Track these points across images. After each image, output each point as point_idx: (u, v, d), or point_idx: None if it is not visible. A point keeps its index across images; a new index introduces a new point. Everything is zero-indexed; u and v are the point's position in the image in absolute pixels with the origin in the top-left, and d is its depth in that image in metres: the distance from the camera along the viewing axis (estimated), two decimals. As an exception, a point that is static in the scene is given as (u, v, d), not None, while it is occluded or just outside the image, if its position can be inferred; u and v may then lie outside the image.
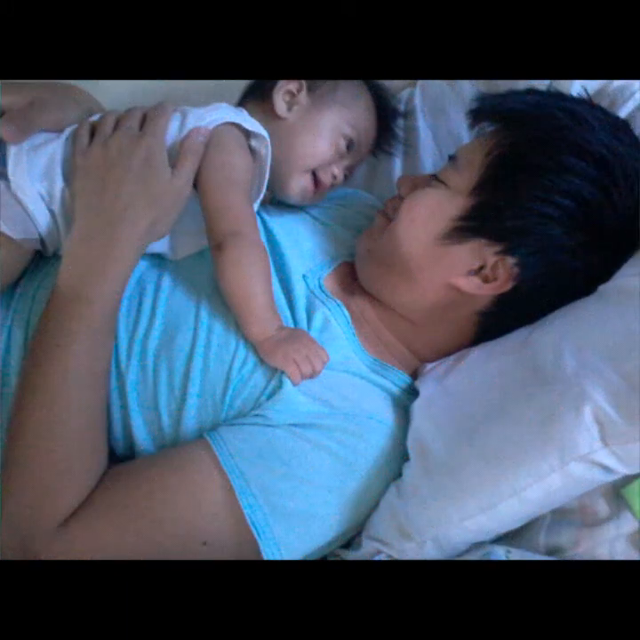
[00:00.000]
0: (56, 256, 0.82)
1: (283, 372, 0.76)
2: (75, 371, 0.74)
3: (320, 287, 0.86)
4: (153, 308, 0.81)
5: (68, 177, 0.78)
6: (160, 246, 0.83)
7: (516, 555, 0.70)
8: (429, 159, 1.08)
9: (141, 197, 0.76)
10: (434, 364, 0.84)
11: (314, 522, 0.75)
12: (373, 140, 0.95)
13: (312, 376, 0.76)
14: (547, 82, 0.92)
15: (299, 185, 0.90)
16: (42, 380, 0.73)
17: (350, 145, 0.90)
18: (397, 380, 0.83)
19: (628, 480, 0.71)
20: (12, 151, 0.77)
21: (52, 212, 0.79)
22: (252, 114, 0.87)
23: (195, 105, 0.84)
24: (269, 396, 0.76)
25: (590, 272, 0.80)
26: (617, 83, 0.93)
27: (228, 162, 0.81)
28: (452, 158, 0.86)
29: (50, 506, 0.72)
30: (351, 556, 0.78)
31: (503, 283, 0.80)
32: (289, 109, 0.88)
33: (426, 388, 0.81)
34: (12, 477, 0.72)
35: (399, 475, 0.77)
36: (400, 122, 1.00)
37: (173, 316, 0.80)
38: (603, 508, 0.73)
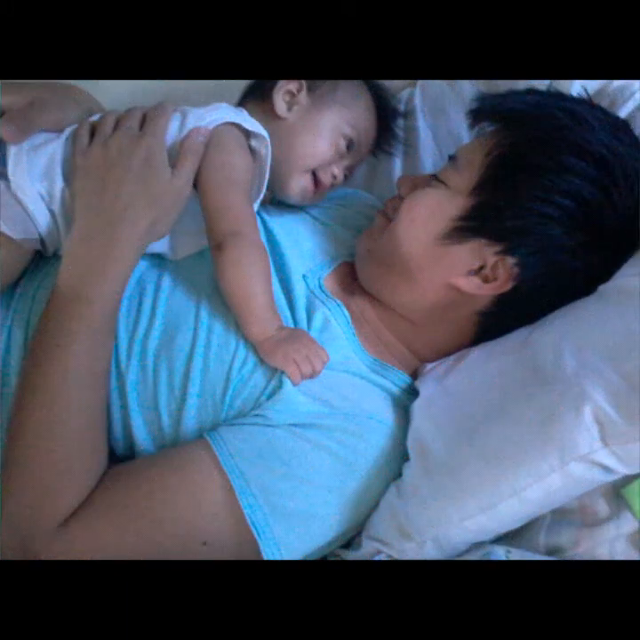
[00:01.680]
0: (56, 256, 0.82)
1: (283, 372, 0.76)
2: (75, 371, 0.74)
3: (320, 287, 0.86)
4: (153, 308, 0.81)
5: (68, 177, 0.78)
6: (160, 246, 0.83)
7: (516, 555, 0.70)
8: (429, 159, 1.08)
9: (141, 197, 0.76)
10: (434, 364, 0.84)
11: (314, 522, 0.75)
12: (373, 140, 0.95)
13: (312, 376, 0.76)
14: (547, 82, 0.92)
15: (299, 185, 0.90)
16: (42, 380, 0.73)
17: (350, 145, 0.90)
18: (397, 380, 0.83)
19: (627, 480, 0.71)
20: (12, 151, 0.77)
21: (52, 212, 0.79)
22: (252, 114, 0.87)
23: (195, 105, 0.84)
24: (269, 396, 0.76)
25: (590, 272, 0.80)
26: (617, 83, 0.93)
27: (228, 162, 0.81)
28: (451, 158, 0.86)
29: (50, 506, 0.72)
30: (351, 555, 0.77)
31: (503, 283, 0.80)
32: (289, 109, 0.88)
33: (426, 388, 0.81)
34: (12, 477, 0.72)
35: (399, 475, 0.77)
36: (400, 122, 1.00)
37: (173, 316, 0.80)
38: (603, 507, 0.73)
